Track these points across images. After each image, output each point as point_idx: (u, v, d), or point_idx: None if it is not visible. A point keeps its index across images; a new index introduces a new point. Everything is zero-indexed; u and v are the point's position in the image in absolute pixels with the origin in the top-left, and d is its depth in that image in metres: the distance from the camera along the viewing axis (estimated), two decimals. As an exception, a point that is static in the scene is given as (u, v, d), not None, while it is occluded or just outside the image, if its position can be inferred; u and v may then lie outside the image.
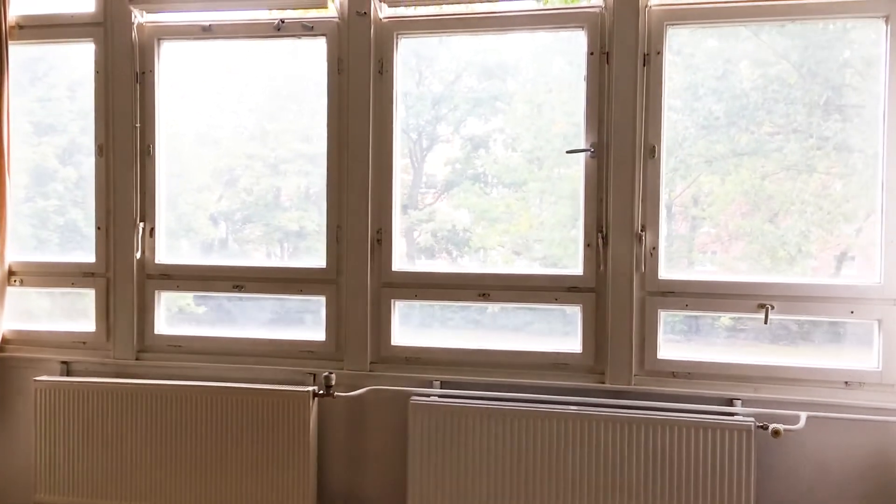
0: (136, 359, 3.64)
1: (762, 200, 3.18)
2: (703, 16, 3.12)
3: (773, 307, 3.06)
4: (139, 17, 3.59)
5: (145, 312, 3.66)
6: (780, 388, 3.08)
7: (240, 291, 3.57)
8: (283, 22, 3.46)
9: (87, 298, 3.74)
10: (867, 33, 3.07)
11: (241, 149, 3.65)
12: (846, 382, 3.04)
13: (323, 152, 3.49)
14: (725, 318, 3.24)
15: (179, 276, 3.64)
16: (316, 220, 3.57)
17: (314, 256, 3.57)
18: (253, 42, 3.60)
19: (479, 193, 3.47)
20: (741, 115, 3.17)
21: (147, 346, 3.66)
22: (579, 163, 3.28)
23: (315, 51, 3.53)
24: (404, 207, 3.52)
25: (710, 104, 3.20)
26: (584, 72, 3.22)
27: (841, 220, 3.13)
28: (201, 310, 3.73)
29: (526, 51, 3.41)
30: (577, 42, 3.29)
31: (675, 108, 3.20)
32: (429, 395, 3.31)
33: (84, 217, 3.77)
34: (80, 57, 3.75)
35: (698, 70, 3.22)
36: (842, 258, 3.16)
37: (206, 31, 3.56)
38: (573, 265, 3.33)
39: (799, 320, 3.14)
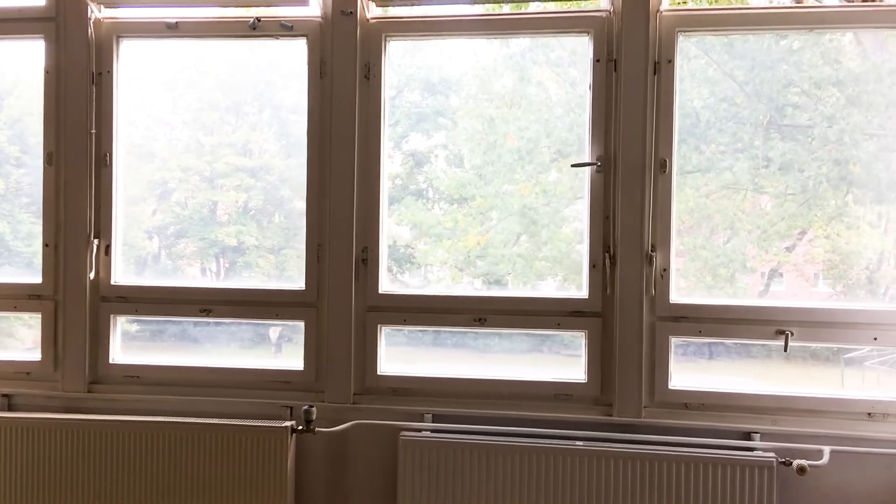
0: (89, 391, 3.27)
1: (703, 218, 3.07)
2: (719, 23, 2.93)
3: (792, 334, 2.87)
4: (96, 11, 3.24)
5: (99, 339, 3.28)
6: (799, 419, 2.88)
7: (207, 316, 3.23)
8: (258, 20, 3.16)
9: (19, 322, 3.41)
10: (814, 56, 2.99)
11: (176, 161, 3.39)
12: (869, 414, 2.86)
13: (264, 166, 3.28)
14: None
15: (138, 299, 3.28)
16: (255, 234, 3.32)
17: (254, 271, 3.31)
18: (224, 42, 3.30)
19: (423, 209, 3.26)
20: (691, 134, 3.03)
21: (101, 376, 3.29)
22: (528, 179, 3.12)
23: (262, 59, 3.31)
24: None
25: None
26: (588, 79, 3.00)
27: (775, 238, 3.04)
28: (134, 328, 3.40)
29: (469, 66, 3.23)
30: (529, 57, 3.17)
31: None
32: (420, 430, 3.02)
33: (12, 231, 3.41)
34: (9, 63, 3.42)
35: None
36: (772, 275, 3.09)
37: (172, 29, 3.23)
38: (519, 283, 3.15)
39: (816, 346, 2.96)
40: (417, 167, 3.32)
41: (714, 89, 3.04)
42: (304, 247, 3.20)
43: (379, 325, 3.14)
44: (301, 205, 3.25)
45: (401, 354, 3.21)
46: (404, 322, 3.14)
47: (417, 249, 3.28)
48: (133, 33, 3.27)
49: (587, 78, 3.00)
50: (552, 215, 3.15)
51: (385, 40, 3.11)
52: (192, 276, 3.41)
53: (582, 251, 3.08)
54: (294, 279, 3.26)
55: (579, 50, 3.14)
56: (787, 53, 3.01)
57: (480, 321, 3.07)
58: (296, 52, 3.25)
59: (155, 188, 3.40)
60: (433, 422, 3.05)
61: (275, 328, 3.33)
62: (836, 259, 3.00)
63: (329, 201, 3.12)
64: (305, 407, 3.01)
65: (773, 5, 2.97)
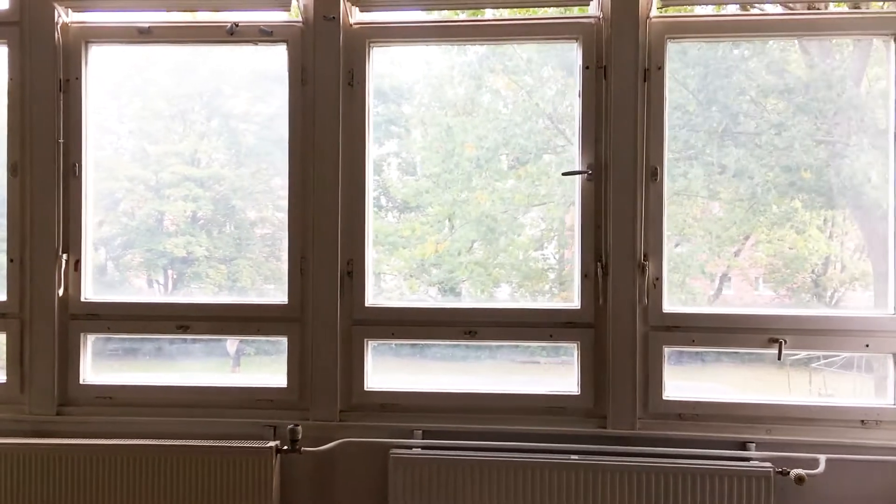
0: (58, 414, 3.11)
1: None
2: (708, 30, 2.92)
3: (785, 342, 2.85)
4: (64, 16, 3.10)
5: (68, 359, 3.13)
6: (794, 428, 2.86)
7: (185, 333, 3.10)
8: (236, 25, 3.04)
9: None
10: (761, 63, 3.02)
11: (124, 171, 3.27)
12: (862, 421, 2.85)
13: (213, 175, 3.22)
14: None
15: (110, 316, 3.13)
16: (205, 244, 3.22)
17: (204, 283, 3.21)
18: (201, 48, 3.19)
19: (375, 217, 3.17)
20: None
21: (71, 398, 3.13)
22: (485, 187, 3.10)
23: (208, 65, 3.24)
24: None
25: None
26: (578, 86, 2.95)
27: (727, 243, 3.07)
28: (107, 345, 3.26)
29: (421, 74, 3.19)
30: (485, 65, 3.15)
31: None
32: (410, 447, 2.92)
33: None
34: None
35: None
36: (722, 279, 3.11)
37: (145, 34, 3.10)
38: (476, 291, 3.12)
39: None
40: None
41: (669, 97, 3.00)
42: (256, 257, 3.16)
43: (365, 340, 3.04)
44: (253, 214, 3.21)
45: (387, 367, 3.12)
46: (392, 336, 3.05)
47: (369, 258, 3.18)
48: (103, 38, 3.14)
49: (576, 84, 2.96)
50: (510, 223, 3.12)
51: (369, 46, 3.03)
52: (139, 288, 3.30)
53: (538, 258, 3.10)
54: (247, 290, 3.19)
55: (535, 59, 3.14)
56: (740, 61, 3.03)
57: (471, 334, 2.99)
58: (247, 59, 3.20)
59: (102, 198, 3.27)
60: (423, 438, 2.96)
61: (232, 341, 3.23)
62: (778, 264, 3.02)
63: (312, 212, 3.02)
64: (290, 426, 2.90)
65: (763, 12, 2.96)
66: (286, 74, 3.04)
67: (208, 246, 3.23)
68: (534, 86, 3.16)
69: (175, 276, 3.29)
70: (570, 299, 3.04)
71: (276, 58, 3.10)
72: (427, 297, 3.17)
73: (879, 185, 2.93)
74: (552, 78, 3.16)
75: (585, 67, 2.93)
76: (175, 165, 3.26)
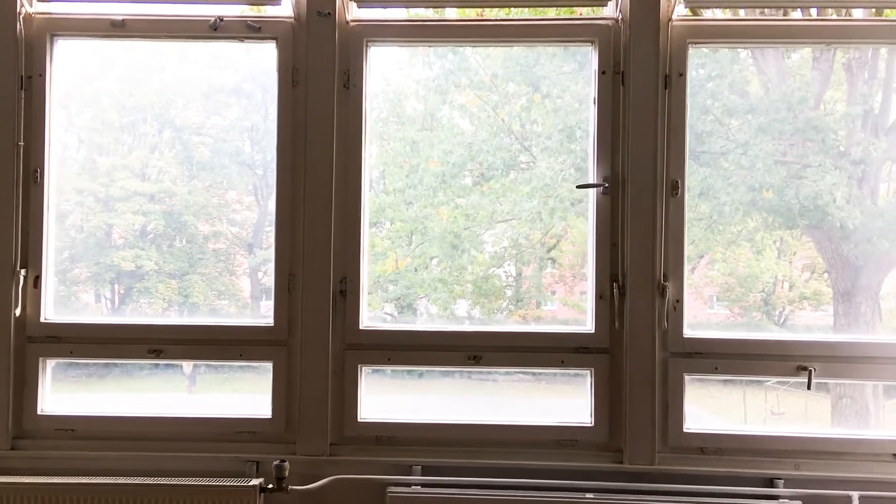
0: (12, 448, 2.79)
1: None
2: (733, 34, 2.76)
3: (815, 370, 2.66)
4: (27, 6, 2.80)
5: (25, 386, 2.81)
6: (823, 463, 2.67)
7: (158, 357, 2.81)
8: (220, 20, 2.78)
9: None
10: (724, 84, 2.94)
11: (72, 183, 3.02)
12: (894, 455, 2.67)
13: (164, 189, 3.03)
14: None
15: (74, 339, 2.82)
16: (155, 258, 3.00)
17: (153, 297, 2.98)
18: (180, 44, 2.92)
19: None
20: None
21: (27, 430, 2.82)
22: (448, 203, 2.95)
23: (163, 76, 3.03)
24: (249, 246, 3.04)
25: (585, 146, 2.87)
26: (593, 93, 2.75)
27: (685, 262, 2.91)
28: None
29: (380, 88, 3.00)
30: (450, 80, 3.01)
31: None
32: (409, 485, 2.67)
33: None
34: None
35: (569, 113, 2.94)
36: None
37: (118, 28, 2.82)
38: (440, 307, 2.97)
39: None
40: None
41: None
42: (209, 272, 2.98)
43: (359, 366, 2.78)
44: (206, 229, 3.02)
45: (382, 391, 2.90)
46: (388, 361, 2.80)
47: None
48: (71, 31, 2.85)
49: (591, 91, 2.76)
50: (472, 239, 2.98)
51: (367, 45, 2.79)
52: (86, 304, 3.05)
53: (500, 275, 2.99)
54: (199, 307, 2.96)
55: (500, 74, 3.00)
56: (706, 80, 2.94)
57: (475, 359, 2.75)
58: (202, 72, 3.05)
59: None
60: (423, 475, 2.71)
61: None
62: (733, 282, 2.94)
63: (302, 225, 2.76)
64: (276, 462, 2.62)
65: (791, 17, 2.80)
66: (243, 88, 2.88)
67: (158, 260, 3.01)
68: (499, 101, 3.03)
69: (122, 292, 3.05)
70: (528, 318, 2.88)
71: (233, 71, 2.96)
72: (428, 320, 2.95)
73: (843, 205, 2.84)
74: (517, 94, 3.02)
75: (602, 73, 2.73)
76: (125, 180, 3.03)
